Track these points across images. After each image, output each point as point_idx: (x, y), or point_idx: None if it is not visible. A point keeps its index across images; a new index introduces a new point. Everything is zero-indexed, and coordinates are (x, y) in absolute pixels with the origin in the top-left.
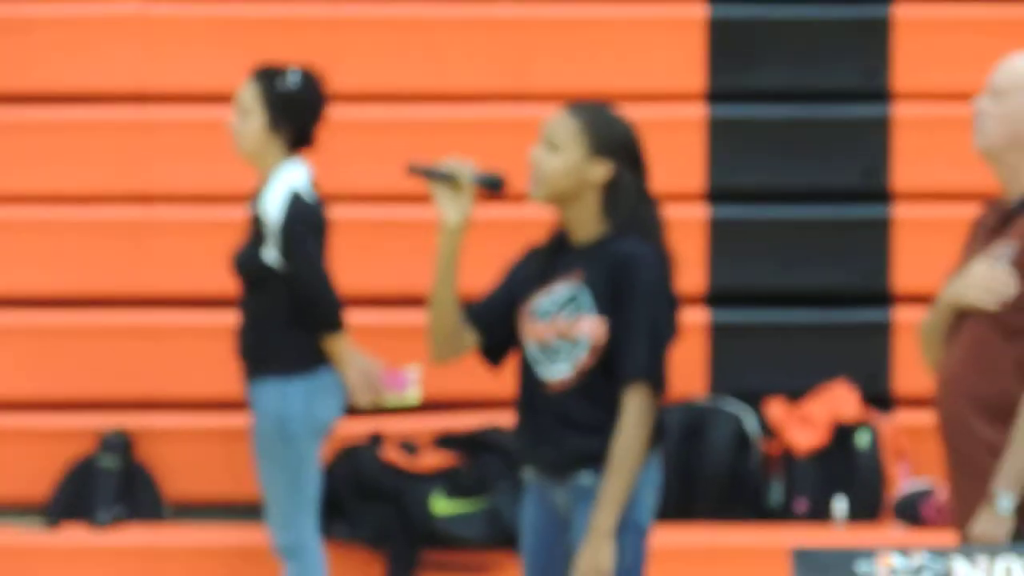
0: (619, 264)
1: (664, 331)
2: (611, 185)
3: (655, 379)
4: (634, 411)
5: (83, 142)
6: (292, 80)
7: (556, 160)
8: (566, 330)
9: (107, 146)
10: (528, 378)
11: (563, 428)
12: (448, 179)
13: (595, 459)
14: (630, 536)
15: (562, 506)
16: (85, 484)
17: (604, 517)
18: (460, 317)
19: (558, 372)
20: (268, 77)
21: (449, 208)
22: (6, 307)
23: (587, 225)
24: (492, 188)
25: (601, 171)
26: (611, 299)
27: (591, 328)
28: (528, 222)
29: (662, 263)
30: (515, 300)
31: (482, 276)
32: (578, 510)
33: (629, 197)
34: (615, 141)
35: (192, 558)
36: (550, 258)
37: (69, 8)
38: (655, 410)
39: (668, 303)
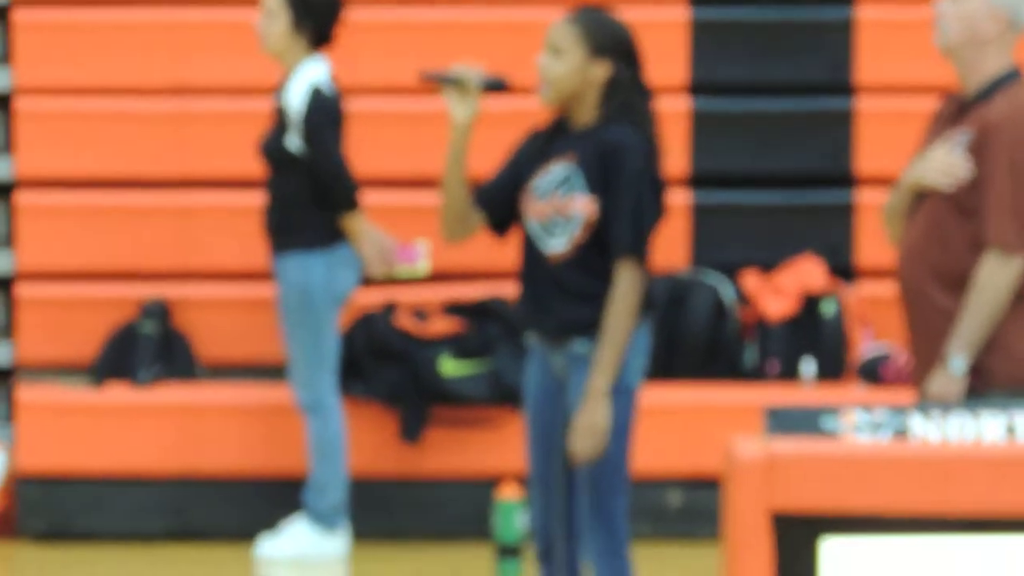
0: (609, 150)
1: (649, 212)
2: (610, 81)
3: (641, 255)
4: (624, 284)
5: (128, 40)
6: None
7: (561, 65)
8: (561, 207)
9: (149, 43)
10: (529, 251)
11: (560, 297)
12: (457, 83)
13: (589, 327)
14: (621, 397)
15: (559, 370)
16: (127, 347)
17: (600, 380)
18: (469, 201)
19: (556, 246)
20: None
21: (458, 108)
22: (59, 188)
23: (586, 116)
24: (496, 89)
25: (602, 70)
26: (601, 181)
27: (583, 206)
28: (528, 113)
29: (649, 150)
30: (518, 180)
31: (487, 162)
32: (573, 374)
33: (625, 89)
34: (612, 41)
35: (224, 414)
36: (548, 141)
37: None
38: (643, 283)
39: (654, 186)
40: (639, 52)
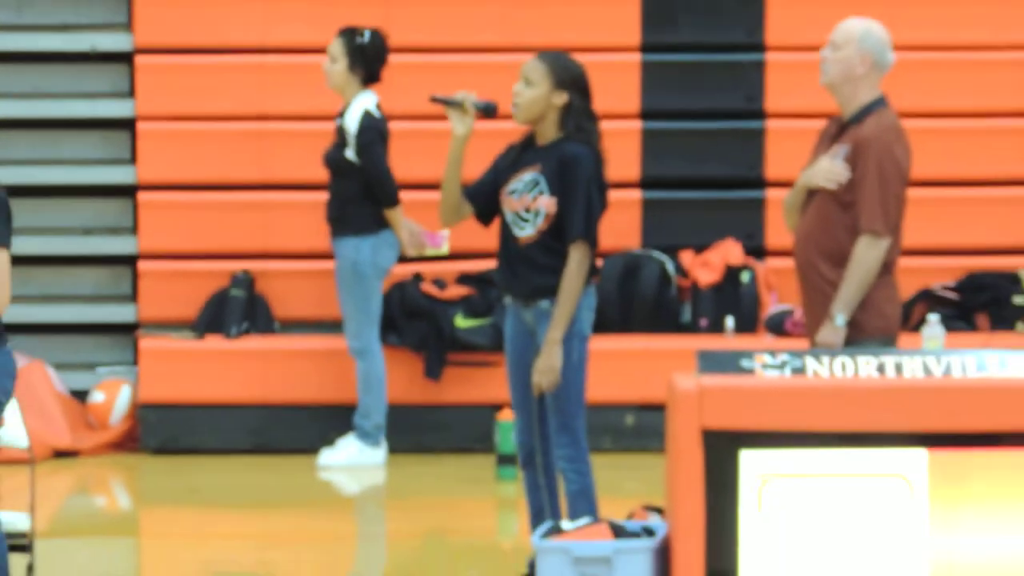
0: (566, 161)
1: (596, 206)
2: (567, 107)
3: (590, 239)
4: (575, 261)
5: (223, 78)
6: (366, 36)
7: (530, 92)
8: (530, 204)
9: (240, 80)
10: (505, 236)
11: (530, 269)
12: (457, 105)
13: (551, 290)
14: (576, 341)
15: (530, 323)
16: (222, 308)
17: (554, 331)
18: (461, 196)
19: (526, 232)
20: (349, 34)
21: (458, 124)
22: (170, 190)
23: (548, 133)
24: (487, 112)
25: (562, 98)
26: (560, 184)
27: (547, 204)
28: (511, 132)
29: (596, 160)
30: (498, 182)
31: (477, 167)
32: (540, 325)
33: (578, 115)
34: (571, 78)
35: (294, 358)
36: (520, 154)
37: None
38: (590, 259)
39: (600, 187)
40: (591, 87)
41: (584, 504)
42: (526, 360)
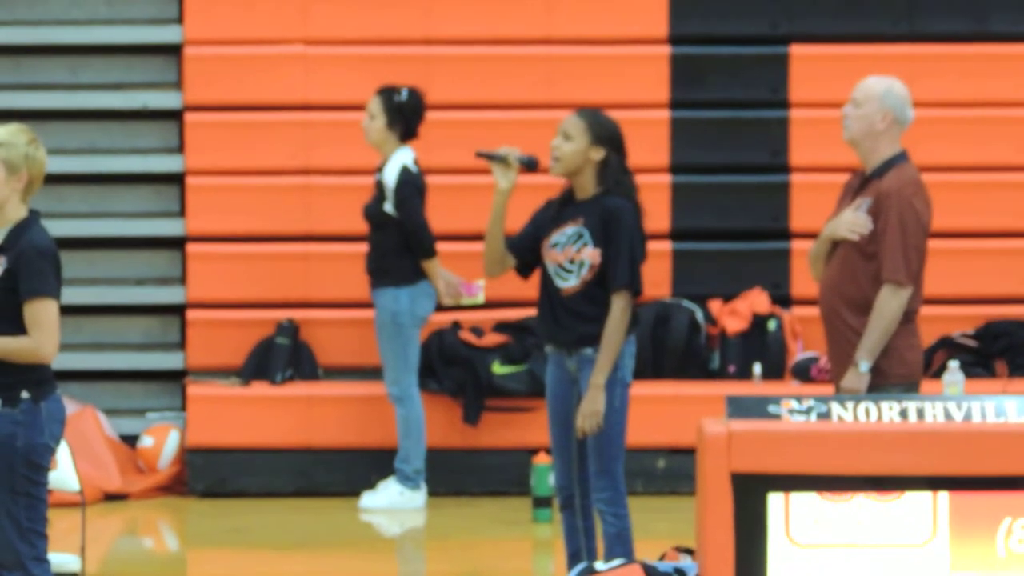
0: (609, 214)
1: (638, 256)
2: (604, 162)
3: (634, 288)
4: (619, 308)
5: (267, 134)
6: (403, 95)
7: (569, 146)
8: (574, 256)
9: (283, 136)
10: (547, 286)
11: (573, 319)
12: (501, 159)
13: (594, 338)
14: (618, 387)
15: (572, 370)
16: (267, 355)
17: (598, 376)
18: (504, 247)
19: (569, 283)
20: (388, 92)
21: (501, 178)
22: (218, 242)
23: (587, 188)
24: (529, 166)
25: (599, 154)
26: (603, 236)
27: (591, 255)
28: (547, 186)
29: (636, 213)
30: (538, 236)
31: (519, 219)
32: (583, 372)
33: (616, 170)
34: (608, 134)
35: (336, 404)
36: (560, 208)
37: (270, 49)
38: (632, 308)
39: (641, 238)
40: (624, 143)
41: (621, 547)
42: (568, 406)
